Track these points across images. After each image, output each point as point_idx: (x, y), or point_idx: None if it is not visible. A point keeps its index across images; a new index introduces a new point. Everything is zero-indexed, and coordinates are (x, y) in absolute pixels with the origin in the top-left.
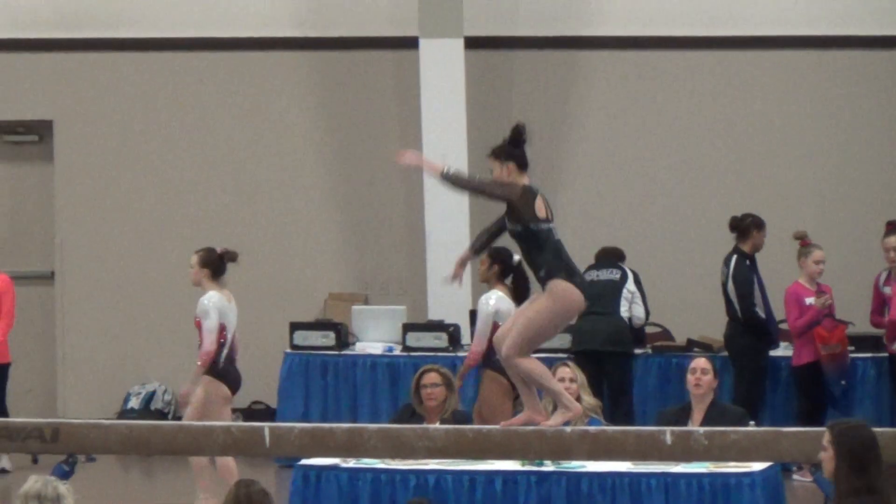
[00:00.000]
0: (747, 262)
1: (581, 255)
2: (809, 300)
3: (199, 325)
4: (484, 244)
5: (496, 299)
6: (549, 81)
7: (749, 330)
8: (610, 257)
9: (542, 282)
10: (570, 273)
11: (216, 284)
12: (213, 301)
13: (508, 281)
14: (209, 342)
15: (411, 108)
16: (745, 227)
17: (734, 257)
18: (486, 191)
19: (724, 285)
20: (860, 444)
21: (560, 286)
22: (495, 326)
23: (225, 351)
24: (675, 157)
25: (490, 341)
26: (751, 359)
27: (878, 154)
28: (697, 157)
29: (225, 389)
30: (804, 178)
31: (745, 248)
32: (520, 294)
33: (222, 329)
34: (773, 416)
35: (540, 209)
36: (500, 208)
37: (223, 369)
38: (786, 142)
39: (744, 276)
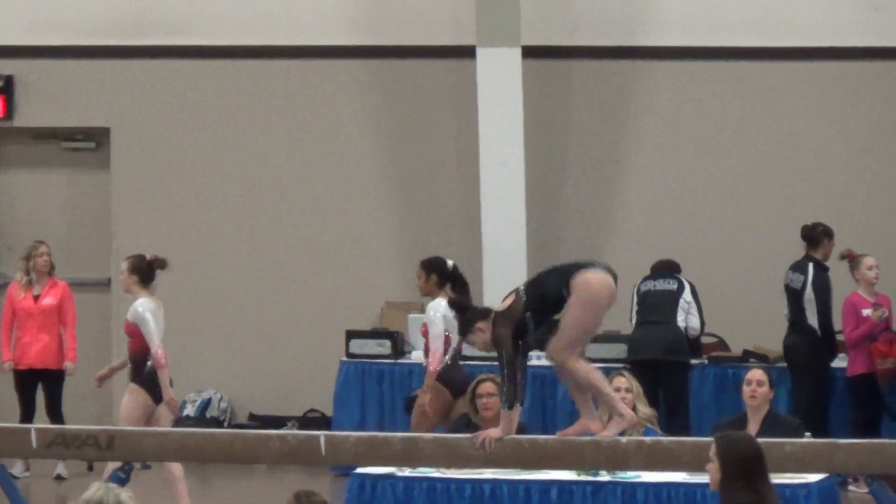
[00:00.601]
0: (823, 270)
1: (636, 264)
2: (866, 311)
3: (130, 332)
4: (523, 385)
5: (444, 307)
6: (606, 91)
7: (816, 339)
8: (666, 269)
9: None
10: (578, 267)
11: (146, 291)
12: (147, 307)
13: (448, 288)
14: (155, 346)
15: (468, 117)
16: (817, 235)
17: (810, 265)
18: (512, 357)
19: (799, 293)
20: (746, 456)
21: (577, 281)
22: (447, 337)
23: (151, 359)
24: (731, 167)
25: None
26: (815, 369)
27: None
28: (754, 167)
29: (147, 398)
30: (861, 189)
31: (818, 256)
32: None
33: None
34: (829, 428)
35: (506, 302)
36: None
37: (148, 376)
38: (844, 152)
39: (823, 285)
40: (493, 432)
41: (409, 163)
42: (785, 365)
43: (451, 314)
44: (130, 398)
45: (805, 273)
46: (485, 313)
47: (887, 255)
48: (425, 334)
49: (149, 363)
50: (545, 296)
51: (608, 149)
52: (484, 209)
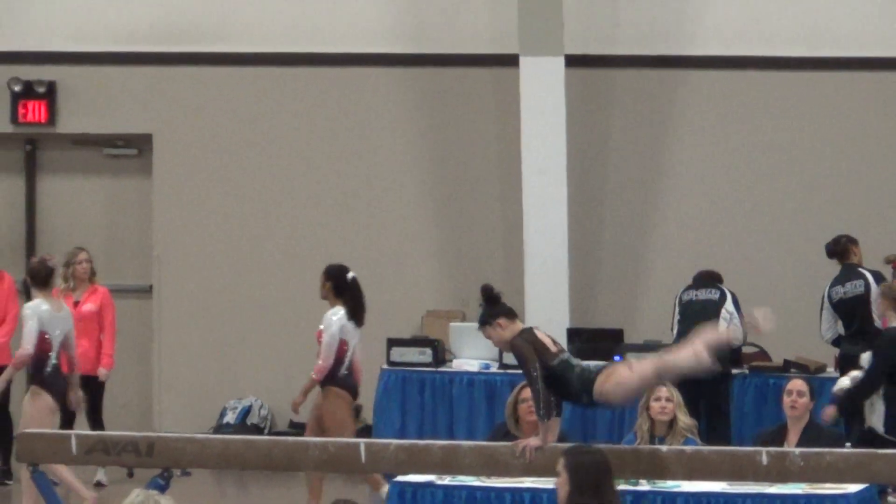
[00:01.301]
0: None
1: (677, 273)
2: None
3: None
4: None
5: (340, 316)
6: (648, 100)
7: None
8: (708, 279)
9: (589, 406)
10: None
11: (42, 293)
12: (33, 308)
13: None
14: (24, 346)
15: (511, 125)
16: (843, 247)
17: (863, 270)
18: (536, 376)
19: (863, 297)
20: (594, 470)
21: (598, 389)
22: (342, 343)
23: (52, 360)
24: (773, 177)
25: (336, 358)
26: None
27: None
28: (796, 177)
29: (49, 398)
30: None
31: (855, 263)
32: (356, 310)
33: (42, 337)
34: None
35: (548, 343)
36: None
37: (48, 377)
38: (889, 164)
39: None
40: (534, 441)
41: (451, 171)
42: (830, 374)
43: (349, 324)
44: (30, 400)
45: (864, 277)
46: (511, 314)
47: None
48: (319, 339)
49: (49, 362)
50: (565, 387)
51: (650, 158)
52: (526, 218)
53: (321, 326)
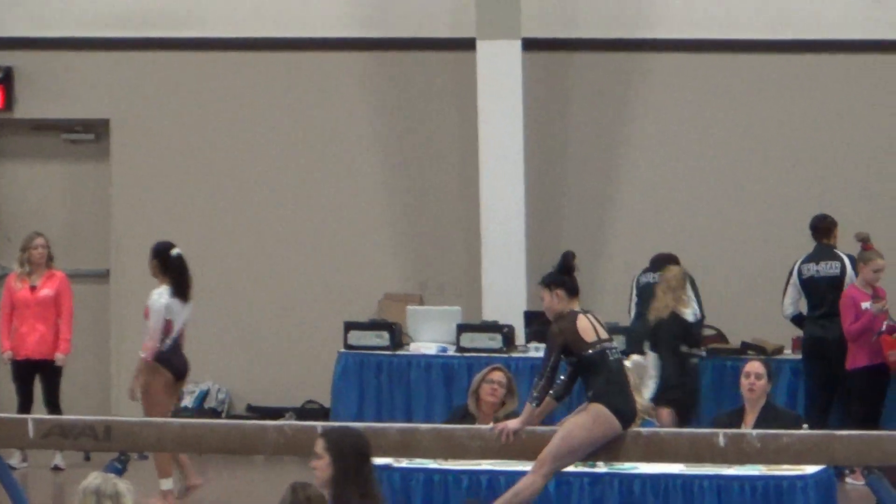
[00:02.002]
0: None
1: (636, 256)
2: (865, 304)
3: None
4: (567, 388)
5: (166, 294)
6: (606, 84)
7: None
8: (665, 262)
9: (589, 401)
10: (615, 402)
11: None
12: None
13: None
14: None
15: (469, 109)
16: (827, 226)
17: (840, 253)
18: (554, 363)
19: (839, 279)
20: (356, 451)
21: (602, 413)
22: (167, 322)
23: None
24: (731, 160)
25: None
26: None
27: None
28: (754, 160)
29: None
30: (860, 182)
31: (832, 244)
32: (181, 287)
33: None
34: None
35: (587, 333)
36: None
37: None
38: (846, 145)
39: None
40: (513, 424)
41: (409, 155)
42: (788, 356)
43: (173, 301)
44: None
45: (840, 260)
46: (573, 291)
47: (890, 247)
48: (147, 317)
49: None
50: (594, 373)
51: (608, 141)
52: (483, 201)
53: (147, 304)
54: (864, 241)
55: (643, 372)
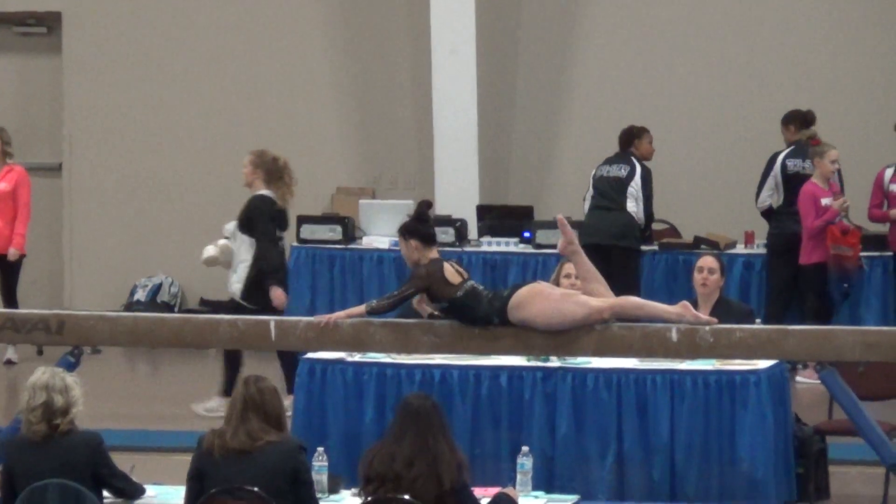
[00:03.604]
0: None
1: (589, 150)
2: (826, 200)
3: None
4: (386, 310)
5: None
6: None
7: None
8: (624, 151)
9: (505, 323)
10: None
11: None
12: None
13: None
14: None
15: (420, 4)
16: (810, 121)
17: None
18: (406, 295)
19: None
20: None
21: (514, 303)
22: None
23: None
24: (689, 47)
25: None
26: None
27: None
28: (712, 46)
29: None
30: (816, 70)
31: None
32: None
33: None
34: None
35: (454, 277)
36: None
37: None
38: (803, 31)
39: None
40: (337, 314)
41: (362, 49)
42: (740, 251)
43: None
44: None
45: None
46: (429, 240)
47: (857, 140)
48: None
49: None
50: (472, 308)
51: (561, 34)
52: (436, 95)
53: None
54: (812, 138)
55: (230, 255)
